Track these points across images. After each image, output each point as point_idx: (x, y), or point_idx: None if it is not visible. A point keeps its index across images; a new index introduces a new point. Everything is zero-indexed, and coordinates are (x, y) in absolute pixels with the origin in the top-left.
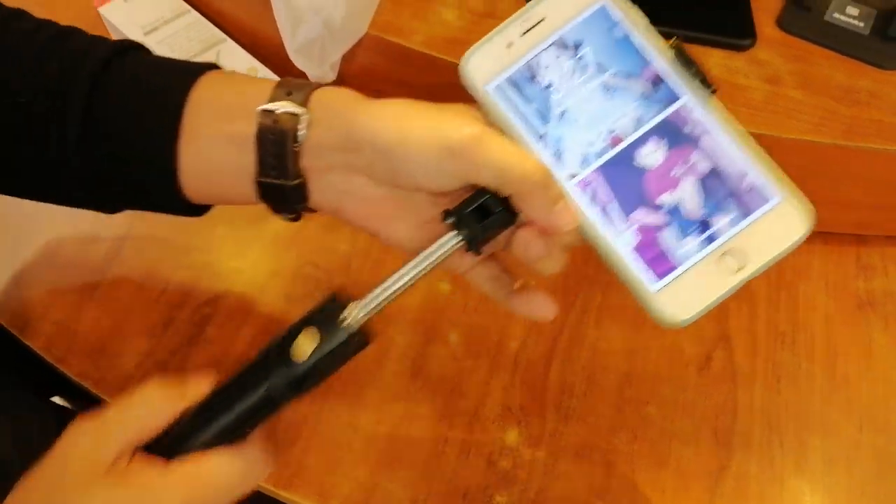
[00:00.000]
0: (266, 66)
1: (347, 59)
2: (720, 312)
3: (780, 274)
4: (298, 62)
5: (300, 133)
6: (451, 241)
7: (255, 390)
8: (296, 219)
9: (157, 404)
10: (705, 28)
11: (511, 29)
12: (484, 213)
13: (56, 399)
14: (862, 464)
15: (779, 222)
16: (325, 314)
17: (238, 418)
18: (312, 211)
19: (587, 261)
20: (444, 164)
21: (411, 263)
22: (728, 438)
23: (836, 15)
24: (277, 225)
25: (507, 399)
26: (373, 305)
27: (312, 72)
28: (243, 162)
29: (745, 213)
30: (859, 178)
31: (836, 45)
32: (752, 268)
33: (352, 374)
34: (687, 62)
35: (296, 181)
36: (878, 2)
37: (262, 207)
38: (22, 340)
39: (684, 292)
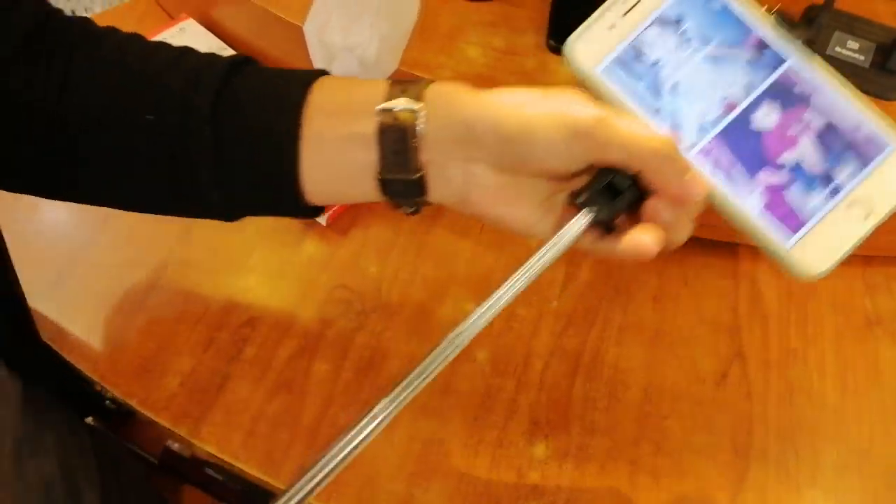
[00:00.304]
0: None
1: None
2: (734, 330)
3: (790, 294)
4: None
5: (419, 128)
6: (583, 220)
7: None
8: (415, 212)
9: None
10: None
11: (612, 11)
12: (611, 191)
13: (89, 420)
14: (873, 473)
15: None
16: None
17: None
18: (429, 204)
19: (607, 281)
20: (572, 146)
21: (547, 245)
22: (746, 451)
23: (838, 49)
24: (311, 248)
25: (534, 414)
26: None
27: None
28: (365, 160)
29: (865, 162)
30: None
31: None
32: (879, 214)
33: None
34: (791, 25)
35: (417, 175)
36: (876, 36)
37: (296, 231)
38: (69, 362)
39: (817, 245)
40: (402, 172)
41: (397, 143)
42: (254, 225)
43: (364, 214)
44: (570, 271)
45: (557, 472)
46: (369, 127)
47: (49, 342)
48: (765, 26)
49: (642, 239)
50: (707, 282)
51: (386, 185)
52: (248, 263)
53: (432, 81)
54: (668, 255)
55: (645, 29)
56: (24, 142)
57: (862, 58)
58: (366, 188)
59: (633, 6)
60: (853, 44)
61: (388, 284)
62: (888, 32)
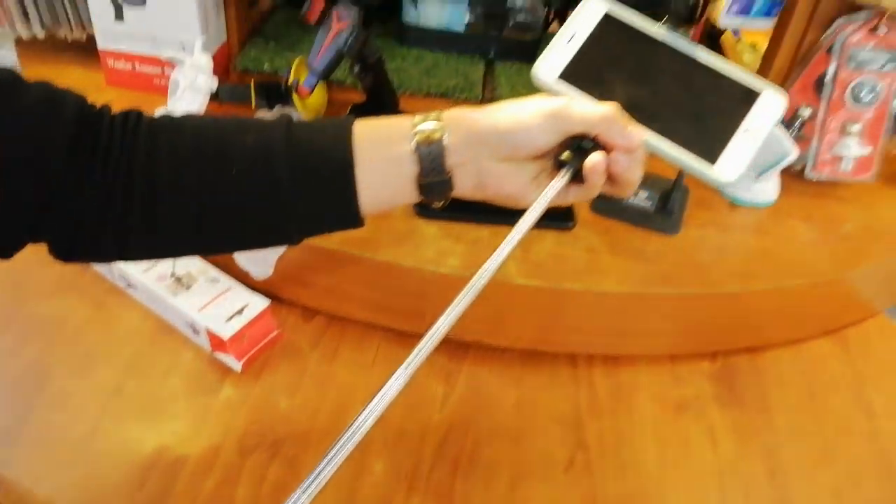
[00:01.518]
0: (217, 268)
1: (282, 258)
2: (577, 424)
3: (618, 390)
4: (242, 264)
5: (445, 141)
6: (567, 172)
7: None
8: (445, 204)
9: None
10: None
11: (559, 42)
12: (581, 151)
13: None
14: None
15: (767, 103)
16: None
17: None
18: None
19: (477, 394)
20: (548, 125)
21: (544, 193)
22: None
23: (631, 199)
24: (229, 392)
25: None
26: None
27: (256, 271)
28: (408, 172)
29: (749, 104)
30: (659, 313)
31: (632, 219)
32: (761, 134)
33: None
34: (675, 29)
35: (448, 176)
36: (659, 186)
37: (215, 380)
38: None
39: (729, 162)
40: (437, 176)
41: (432, 154)
42: (178, 376)
43: (274, 359)
44: (447, 391)
45: None
46: (408, 147)
47: None
48: (659, 32)
49: (594, 157)
50: (555, 386)
51: (425, 188)
52: (174, 410)
53: (443, 110)
54: (525, 367)
55: (581, 48)
56: (124, 212)
57: (649, 203)
58: (408, 193)
59: (571, 39)
60: (642, 193)
61: (297, 415)
62: (666, 183)
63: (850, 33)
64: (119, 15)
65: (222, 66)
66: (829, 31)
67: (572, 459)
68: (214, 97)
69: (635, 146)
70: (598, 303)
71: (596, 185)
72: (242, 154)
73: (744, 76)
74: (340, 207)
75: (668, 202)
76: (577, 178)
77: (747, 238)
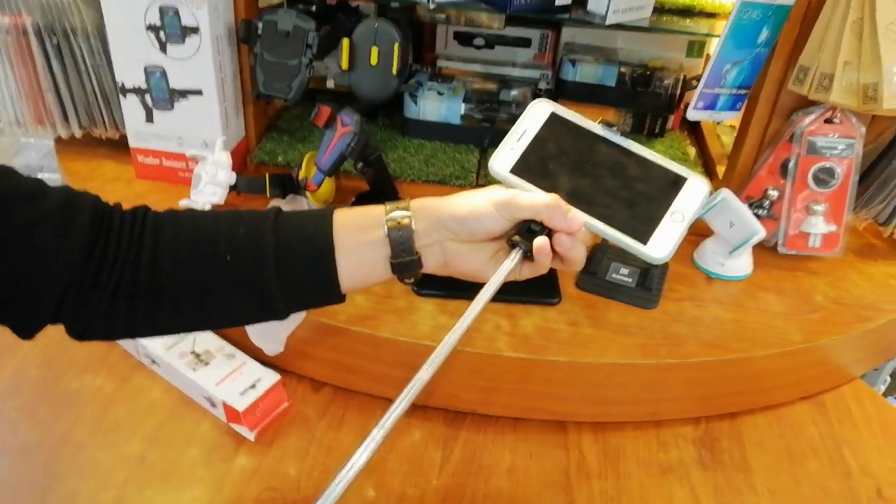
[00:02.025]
0: (233, 345)
1: (292, 335)
2: (568, 489)
3: (605, 455)
4: (256, 341)
5: (413, 226)
6: (517, 253)
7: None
8: (416, 281)
9: None
10: (528, 294)
11: (510, 140)
12: (531, 233)
13: None
14: None
15: (692, 189)
16: None
17: None
18: (421, 274)
19: (472, 460)
20: (500, 213)
21: (498, 272)
22: None
23: (613, 275)
24: (243, 461)
25: None
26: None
27: (268, 347)
28: (381, 253)
29: (677, 189)
30: (640, 383)
31: (613, 295)
32: (688, 217)
33: None
34: (610, 125)
35: (417, 256)
36: (638, 264)
37: (231, 448)
38: None
39: (660, 241)
40: (407, 256)
41: (402, 237)
42: (197, 446)
43: (285, 428)
44: (445, 455)
45: None
46: (381, 233)
47: None
48: (596, 128)
49: (539, 241)
50: (546, 452)
51: (396, 266)
52: (193, 478)
53: (409, 199)
54: (518, 434)
55: (528, 147)
56: (131, 300)
57: (630, 280)
58: (382, 271)
59: (521, 136)
60: (624, 270)
61: (305, 481)
62: None
63: (808, 124)
64: (149, 118)
65: (241, 158)
66: (789, 122)
67: None
68: (233, 188)
69: (576, 229)
70: (583, 373)
71: (543, 263)
72: (235, 245)
73: (672, 165)
74: (324, 287)
75: (647, 278)
76: (528, 256)
77: (722, 311)
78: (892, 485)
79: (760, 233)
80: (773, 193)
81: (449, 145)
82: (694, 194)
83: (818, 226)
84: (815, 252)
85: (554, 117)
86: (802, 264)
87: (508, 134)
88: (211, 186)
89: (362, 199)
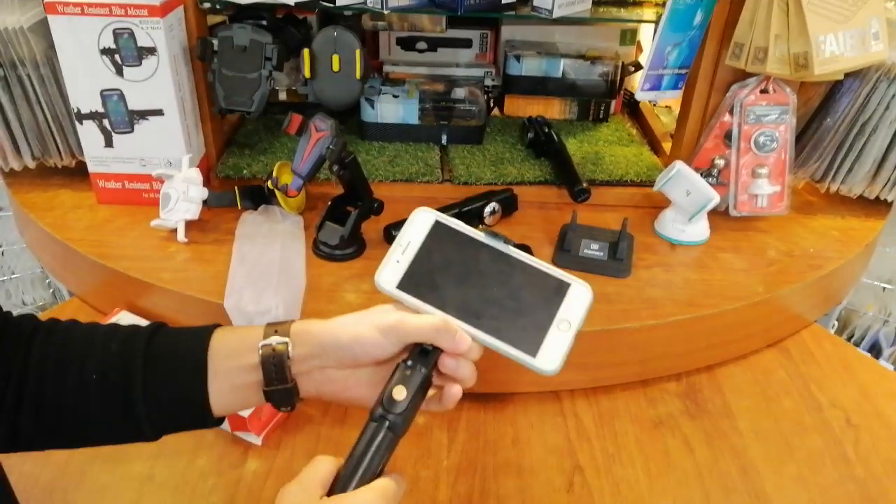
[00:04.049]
0: None
1: None
2: (570, 452)
3: (600, 417)
4: None
5: (291, 352)
6: (418, 376)
7: (376, 433)
8: (292, 409)
9: (324, 466)
10: None
11: (395, 254)
12: (424, 355)
13: None
14: None
15: (577, 295)
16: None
17: (373, 458)
18: (302, 401)
19: (478, 437)
20: (385, 339)
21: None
22: None
23: (586, 251)
24: (253, 464)
25: None
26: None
27: None
28: (253, 380)
29: (560, 297)
30: (625, 345)
31: (589, 268)
32: (574, 324)
33: None
34: (494, 234)
35: (291, 384)
36: (608, 237)
37: (239, 454)
38: None
39: (549, 352)
40: (280, 384)
41: (276, 365)
42: (204, 457)
43: (290, 430)
44: (451, 436)
45: None
46: (255, 358)
47: None
48: (481, 237)
49: (453, 388)
50: (545, 421)
51: (270, 394)
52: (206, 487)
53: (294, 321)
54: (517, 407)
55: (414, 259)
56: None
57: (601, 254)
58: (255, 399)
59: (406, 248)
60: (594, 245)
61: None
62: (614, 234)
63: (746, 95)
64: (109, 142)
65: (204, 174)
66: (728, 95)
67: (571, 482)
68: (204, 204)
69: (464, 349)
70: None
71: (449, 406)
72: (104, 363)
73: (555, 272)
74: (193, 411)
75: (617, 251)
76: (427, 382)
77: (689, 273)
78: (859, 413)
79: (715, 198)
80: (720, 162)
81: (410, 145)
82: (578, 301)
83: (763, 187)
84: (763, 212)
85: (438, 226)
86: (753, 224)
87: (392, 245)
88: (184, 203)
89: (338, 203)
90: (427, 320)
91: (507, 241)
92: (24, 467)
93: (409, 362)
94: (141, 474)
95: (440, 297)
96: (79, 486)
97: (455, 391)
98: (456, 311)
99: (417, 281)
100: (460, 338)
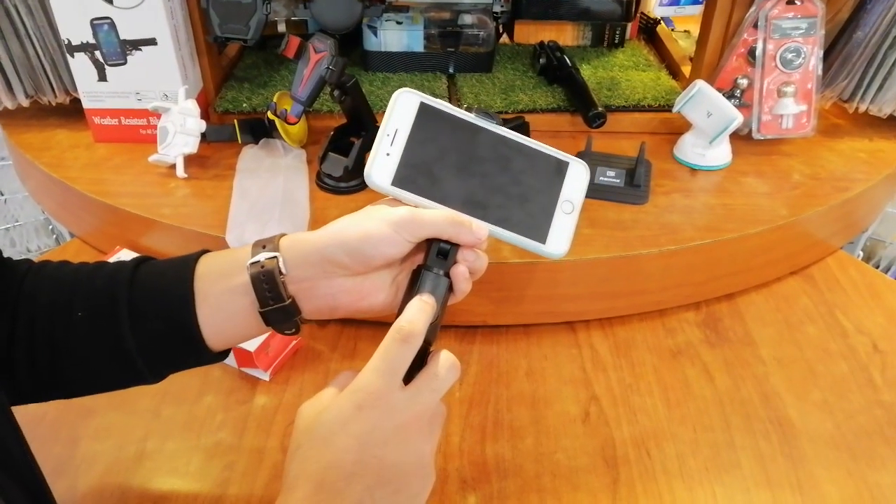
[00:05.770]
0: None
1: None
2: (586, 382)
3: (616, 347)
4: None
5: (282, 267)
6: (439, 280)
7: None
8: (296, 332)
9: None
10: None
11: (383, 145)
12: (442, 254)
13: None
14: (703, 454)
15: (575, 174)
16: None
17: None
18: (305, 322)
19: (490, 368)
20: (399, 234)
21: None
22: (613, 462)
23: (601, 178)
24: (262, 400)
25: (461, 475)
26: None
27: None
28: (246, 303)
29: (561, 177)
30: (643, 274)
31: (605, 196)
32: (577, 205)
33: None
34: (486, 114)
35: (288, 301)
36: (624, 164)
37: (247, 390)
38: None
39: (557, 236)
40: (276, 302)
41: (267, 282)
42: (211, 394)
43: (298, 365)
44: (463, 367)
45: None
46: (244, 278)
47: None
48: (470, 117)
49: (460, 268)
50: (559, 353)
51: (267, 316)
52: (214, 424)
53: (283, 234)
54: (530, 339)
55: (405, 150)
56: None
57: (618, 181)
58: (252, 324)
59: (394, 138)
60: (611, 172)
61: None
62: (631, 160)
63: (771, 7)
64: (102, 76)
65: (203, 110)
66: (752, 9)
67: (587, 412)
68: (202, 138)
69: (479, 239)
70: (589, 269)
71: (464, 290)
72: (89, 298)
73: (552, 151)
74: (186, 344)
75: (634, 177)
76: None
77: (709, 198)
78: (886, 338)
79: (738, 118)
80: (743, 82)
81: (416, 74)
82: (577, 179)
83: (789, 106)
84: (788, 134)
85: (425, 109)
86: (776, 148)
87: (378, 135)
88: (182, 136)
89: (341, 133)
90: (441, 211)
91: (500, 121)
92: (30, 405)
93: (431, 266)
94: (148, 411)
95: (441, 190)
96: (86, 423)
97: (463, 270)
98: (461, 204)
99: (413, 175)
100: (478, 227)
